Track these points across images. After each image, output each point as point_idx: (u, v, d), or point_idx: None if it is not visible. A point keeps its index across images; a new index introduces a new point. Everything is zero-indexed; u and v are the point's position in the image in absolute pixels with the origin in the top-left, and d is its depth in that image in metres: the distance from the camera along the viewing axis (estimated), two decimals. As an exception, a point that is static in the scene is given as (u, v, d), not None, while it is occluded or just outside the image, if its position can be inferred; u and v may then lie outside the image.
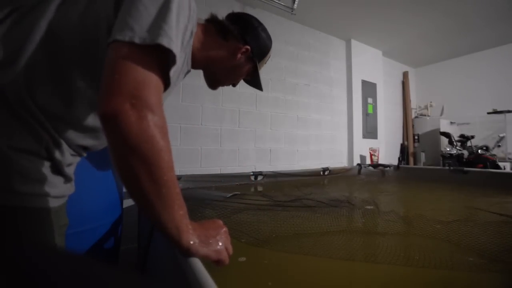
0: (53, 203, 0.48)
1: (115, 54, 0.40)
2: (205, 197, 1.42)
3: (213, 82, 0.79)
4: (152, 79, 0.41)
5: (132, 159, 0.38)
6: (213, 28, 0.71)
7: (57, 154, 0.48)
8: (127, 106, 0.37)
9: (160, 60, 0.43)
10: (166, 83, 0.45)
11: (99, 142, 0.57)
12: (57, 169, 0.49)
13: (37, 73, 0.46)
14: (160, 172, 0.39)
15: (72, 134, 0.51)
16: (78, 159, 0.57)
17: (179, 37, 0.45)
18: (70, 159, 0.52)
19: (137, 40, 0.40)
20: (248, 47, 0.73)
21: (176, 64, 0.44)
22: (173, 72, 0.45)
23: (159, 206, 0.40)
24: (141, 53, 0.41)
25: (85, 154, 0.58)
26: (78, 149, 0.54)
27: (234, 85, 0.83)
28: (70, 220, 0.58)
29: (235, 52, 0.72)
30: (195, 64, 0.68)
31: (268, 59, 0.83)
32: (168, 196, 0.40)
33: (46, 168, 0.47)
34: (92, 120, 0.52)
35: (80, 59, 0.48)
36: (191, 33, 0.52)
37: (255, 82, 0.84)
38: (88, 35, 0.47)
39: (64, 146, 0.50)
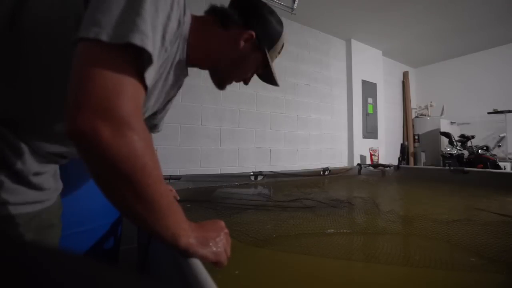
0: (18, 210, 0.45)
1: (80, 56, 0.35)
2: (227, 196, 1.48)
3: (220, 80, 0.68)
4: (126, 85, 0.35)
5: (113, 180, 0.34)
6: (211, 18, 0.61)
7: (15, 162, 0.43)
8: (98, 122, 0.32)
9: (137, 59, 0.37)
10: (145, 87, 0.39)
11: (73, 150, 0.51)
12: (18, 178, 0.45)
13: None
14: (146, 189, 0.35)
15: (37, 140, 0.46)
16: (54, 166, 0.52)
17: (157, 31, 0.39)
18: (37, 168, 0.47)
19: (104, 38, 0.34)
20: (252, 32, 0.61)
21: (153, 64, 0.38)
22: (152, 73, 0.40)
23: (151, 220, 0.37)
24: (110, 52, 0.35)
25: (65, 162, 0.53)
26: (52, 157, 0.50)
27: (246, 82, 0.71)
28: (70, 221, 0.58)
29: (237, 40, 0.61)
30: (196, 63, 0.62)
31: (281, 48, 0.69)
32: (160, 209, 0.37)
33: (1, 175, 0.43)
34: (60, 125, 0.46)
35: (43, 58, 0.42)
36: (179, 22, 0.45)
37: (267, 76, 0.72)
38: (53, 31, 0.42)
39: (27, 153, 0.45)
